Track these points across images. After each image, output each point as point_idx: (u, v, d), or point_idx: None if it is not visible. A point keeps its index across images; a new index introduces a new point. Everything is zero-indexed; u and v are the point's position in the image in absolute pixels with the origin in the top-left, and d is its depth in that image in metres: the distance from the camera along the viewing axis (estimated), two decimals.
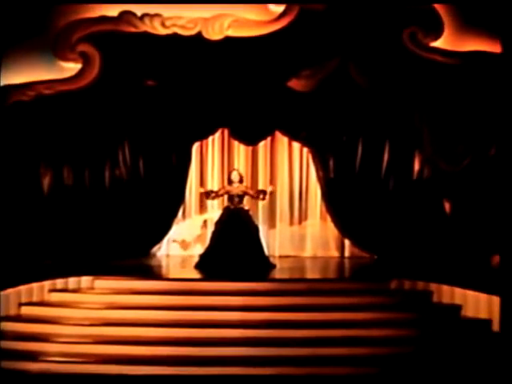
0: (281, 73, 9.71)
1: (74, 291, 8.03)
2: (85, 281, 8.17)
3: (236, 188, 9.52)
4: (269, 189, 9.70)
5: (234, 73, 9.73)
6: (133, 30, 9.63)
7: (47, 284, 7.95)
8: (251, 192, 9.52)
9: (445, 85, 9.63)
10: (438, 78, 9.64)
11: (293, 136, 10.49)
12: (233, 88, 9.82)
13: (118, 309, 7.54)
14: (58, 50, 9.56)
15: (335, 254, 10.99)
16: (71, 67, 9.64)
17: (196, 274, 8.94)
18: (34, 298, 7.84)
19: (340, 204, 10.35)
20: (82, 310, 7.56)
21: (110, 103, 9.80)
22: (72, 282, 8.16)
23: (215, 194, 9.51)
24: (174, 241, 10.85)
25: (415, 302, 7.90)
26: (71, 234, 9.54)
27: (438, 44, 9.78)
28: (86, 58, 9.62)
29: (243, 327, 7.19)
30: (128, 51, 9.75)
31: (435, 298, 7.99)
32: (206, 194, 9.61)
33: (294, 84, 9.71)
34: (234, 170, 9.87)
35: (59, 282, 8.08)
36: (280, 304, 7.61)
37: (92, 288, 8.08)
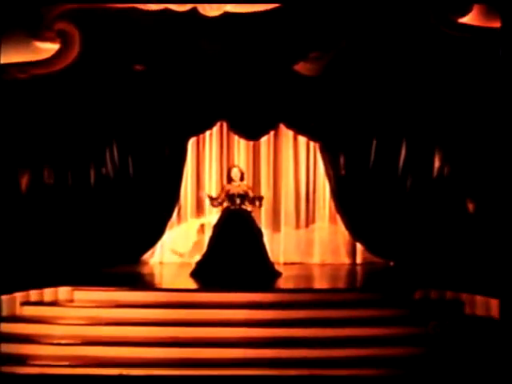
0: (288, 55, 9.06)
1: (51, 304, 7.57)
2: (63, 292, 7.72)
3: (237, 187, 9.07)
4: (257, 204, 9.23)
5: (234, 55, 9.07)
6: (118, 5, 8.89)
7: (19, 296, 7.50)
8: (251, 194, 9.09)
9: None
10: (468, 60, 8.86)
11: (299, 129, 9.91)
12: (232, 73, 9.17)
13: (102, 325, 7.09)
14: (32, 28, 8.79)
15: (346, 260, 10.48)
16: (48, 48, 8.87)
17: (192, 284, 8.51)
18: (4, 313, 7.30)
19: (352, 205, 9.80)
20: (60, 326, 7.12)
21: (92, 91, 9.13)
22: (48, 293, 7.69)
23: (220, 201, 9.06)
24: (174, 251, 10.44)
25: (444, 315, 7.32)
26: (49, 237, 8.83)
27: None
28: (64, 38, 8.85)
29: (245, 346, 6.77)
30: (112, 30, 9.04)
31: (467, 310, 7.56)
32: (211, 200, 9.20)
33: (302, 68, 9.08)
34: (234, 166, 9.41)
35: (33, 294, 7.62)
36: (286, 318, 7.19)
37: (71, 300, 7.64)
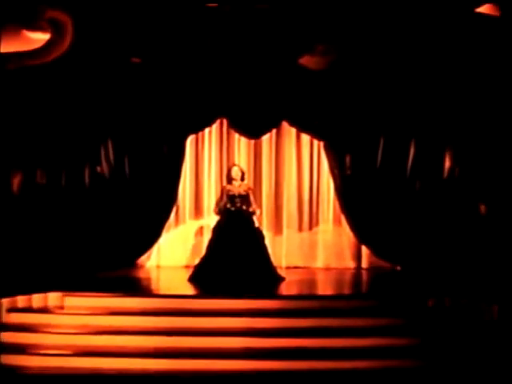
0: (293, 47, 8.71)
1: (40, 311, 7.39)
2: (53, 298, 7.52)
3: (237, 187, 8.93)
4: (257, 212, 9.21)
5: (236, 48, 8.73)
6: None
7: (5, 302, 7.31)
8: (252, 198, 8.98)
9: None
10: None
11: (303, 127, 9.57)
12: (234, 67, 8.83)
13: (94, 334, 6.92)
14: (21, 16, 8.50)
15: (351, 264, 10.29)
16: (38, 38, 8.58)
17: (190, 289, 8.37)
18: None
19: (358, 206, 9.45)
20: (49, 334, 6.93)
21: (86, 84, 8.79)
22: (37, 299, 7.51)
23: (224, 204, 8.89)
24: None
25: (462, 325, 7.12)
26: (39, 240, 8.59)
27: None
28: (55, 27, 8.53)
29: (245, 357, 6.61)
30: (108, 19, 8.70)
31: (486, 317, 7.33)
32: (216, 207, 9.11)
33: (307, 61, 8.74)
34: (234, 165, 9.29)
35: (21, 300, 7.44)
36: (289, 327, 7.04)
37: (61, 307, 7.44)
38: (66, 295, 7.44)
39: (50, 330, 6.95)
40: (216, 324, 6.94)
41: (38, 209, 8.76)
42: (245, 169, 9.44)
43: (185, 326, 6.93)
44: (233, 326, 6.93)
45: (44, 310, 7.33)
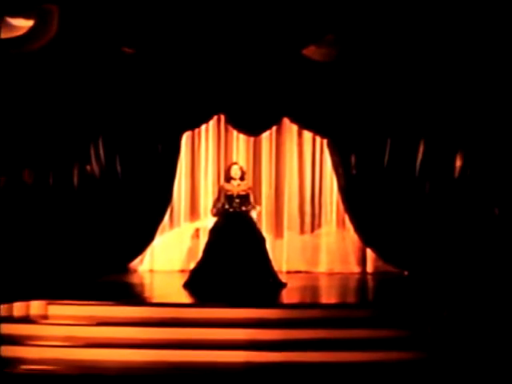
0: (297, 37, 8.39)
1: (21, 321, 7.10)
2: (36, 307, 7.22)
3: (236, 187, 8.71)
4: (257, 208, 9.08)
5: (235, 37, 8.43)
6: None
7: None
8: (252, 198, 8.81)
9: None
10: None
11: (306, 123, 9.30)
12: (233, 59, 8.54)
13: (81, 346, 6.60)
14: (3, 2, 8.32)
15: (355, 269, 10.18)
16: (21, 24, 8.29)
17: (185, 297, 8.12)
18: None
19: (363, 207, 9.20)
20: (32, 347, 6.61)
21: (74, 77, 8.51)
22: (18, 308, 7.24)
23: (221, 205, 8.69)
24: None
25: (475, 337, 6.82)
26: (22, 243, 8.34)
27: None
28: (40, 13, 8.26)
29: (245, 373, 6.29)
30: (97, 4, 8.41)
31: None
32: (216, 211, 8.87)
33: (313, 53, 8.42)
34: (234, 164, 9.08)
35: (1, 309, 7.10)
36: (292, 339, 6.74)
37: (45, 316, 7.14)
38: (50, 303, 7.18)
39: (32, 341, 6.65)
40: (214, 336, 6.63)
41: (22, 209, 8.48)
42: (244, 168, 9.23)
43: (179, 338, 6.63)
44: (234, 338, 6.66)
45: (26, 320, 7.06)
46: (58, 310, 7.09)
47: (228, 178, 8.80)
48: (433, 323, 6.94)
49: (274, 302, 7.70)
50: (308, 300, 8.24)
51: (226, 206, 8.61)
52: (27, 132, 8.53)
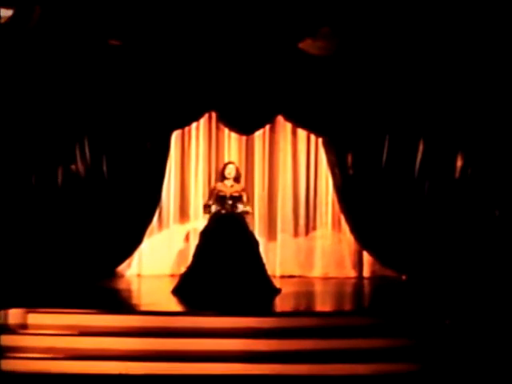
0: (293, 29, 8.29)
1: None
2: (14, 315, 6.95)
3: (230, 188, 8.51)
4: (247, 208, 8.85)
5: (227, 30, 8.33)
6: None
7: None
8: (245, 199, 8.56)
9: None
10: None
11: (301, 121, 9.26)
12: (224, 53, 8.49)
13: (63, 358, 6.34)
14: None
15: (351, 273, 10.02)
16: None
17: (175, 304, 7.91)
18: None
19: (360, 209, 9.22)
20: (10, 360, 6.35)
21: (57, 72, 8.41)
22: None
23: (212, 203, 8.48)
24: None
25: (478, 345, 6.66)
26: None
27: None
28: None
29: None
30: None
31: None
32: (204, 208, 8.71)
33: (309, 46, 8.34)
34: (229, 163, 8.88)
35: None
36: (287, 350, 6.54)
37: (24, 326, 6.88)
38: (29, 312, 6.93)
39: (10, 353, 6.40)
40: (205, 346, 6.43)
41: (2, 210, 8.42)
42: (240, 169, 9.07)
43: (168, 349, 6.43)
44: (227, 348, 6.47)
45: (4, 330, 6.78)
46: (38, 318, 6.88)
47: (221, 178, 8.62)
48: (434, 332, 6.73)
49: (267, 309, 7.52)
50: (302, 308, 8.06)
51: (218, 207, 8.43)
52: (9, 129, 8.44)
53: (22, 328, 6.78)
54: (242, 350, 6.44)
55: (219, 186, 8.58)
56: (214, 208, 8.40)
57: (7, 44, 7.94)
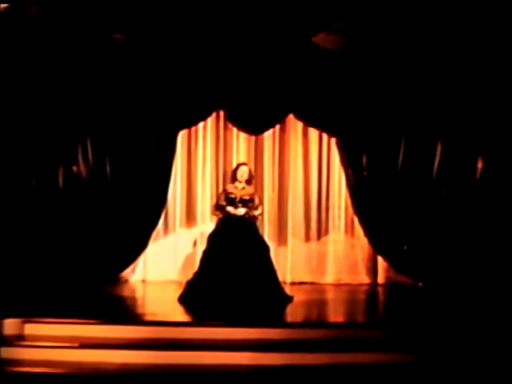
0: (307, 23, 8.07)
1: None
2: (10, 326, 6.70)
3: (240, 190, 8.28)
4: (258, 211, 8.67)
5: (237, 25, 8.16)
6: None
7: None
8: (257, 202, 8.34)
9: None
10: None
11: (312, 120, 9.13)
12: (233, 49, 8.35)
13: (62, 372, 6.04)
14: None
15: (365, 279, 9.89)
16: None
17: (181, 314, 7.66)
18: None
19: (375, 212, 9.13)
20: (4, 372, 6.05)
21: (59, 70, 8.30)
22: None
23: (222, 209, 8.24)
24: None
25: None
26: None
27: None
28: None
29: None
30: None
31: None
32: (213, 209, 8.58)
33: (323, 40, 8.14)
34: (242, 164, 8.67)
35: None
36: (299, 363, 6.23)
37: (21, 337, 6.64)
38: (26, 322, 6.69)
39: (5, 366, 6.09)
40: (213, 360, 6.14)
41: (1, 212, 8.33)
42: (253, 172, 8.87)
43: (173, 362, 6.13)
44: (231, 362, 6.17)
45: None
46: (35, 329, 6.64)
47: (233, 179, 8.40)
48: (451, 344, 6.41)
49: (277, 320, 7.27)
50: (314, 318, 7.80)
51: (226, 211, 8.19)
52: (9, 129, 8.36)
53: (18, 339, 6.56)
54: (250, 363, 6.16)
55: (229, 187, 8.37)
56: (229, 209, 8.12)
57: (6, 42, 7.80)
